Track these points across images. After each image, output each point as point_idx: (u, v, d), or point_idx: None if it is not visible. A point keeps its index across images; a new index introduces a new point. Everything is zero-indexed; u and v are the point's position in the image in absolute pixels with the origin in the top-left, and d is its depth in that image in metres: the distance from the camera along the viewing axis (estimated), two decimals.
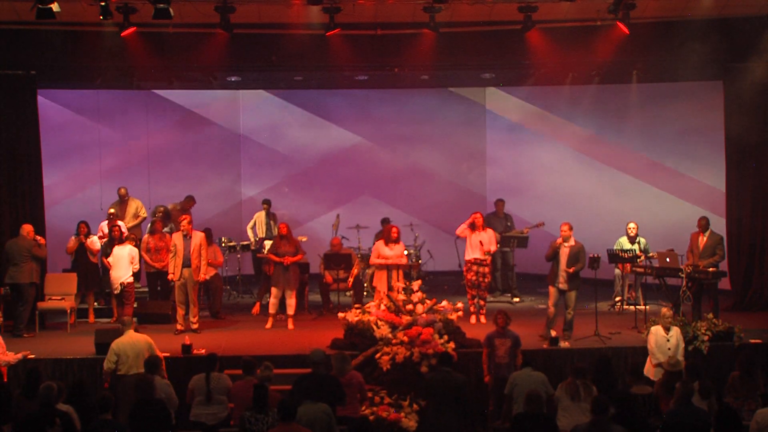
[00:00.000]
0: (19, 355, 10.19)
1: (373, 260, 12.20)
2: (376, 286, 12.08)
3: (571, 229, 11.18)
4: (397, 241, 12.12)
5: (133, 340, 9.42)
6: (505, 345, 9.73)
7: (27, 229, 11.99)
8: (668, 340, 9.87)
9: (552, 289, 11.24)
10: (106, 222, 13.34)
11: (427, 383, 8.89)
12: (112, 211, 13.47)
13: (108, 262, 12.45)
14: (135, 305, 12.33)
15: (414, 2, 11.71)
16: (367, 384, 9.56)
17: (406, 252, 13.97)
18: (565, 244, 11.13)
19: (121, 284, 12.11)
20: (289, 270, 12.02)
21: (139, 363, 9.24)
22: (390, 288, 11.41)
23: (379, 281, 11.98)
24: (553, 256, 11.17)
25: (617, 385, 9.36)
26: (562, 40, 12.56)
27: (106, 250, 12.70)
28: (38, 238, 12.05)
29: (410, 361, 9.86)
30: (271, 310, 12.16)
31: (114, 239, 12.55)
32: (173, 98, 15.87)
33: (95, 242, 12.87)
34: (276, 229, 13.99)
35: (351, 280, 13.32)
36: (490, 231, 12.49)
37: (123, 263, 12.14)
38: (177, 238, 11.82)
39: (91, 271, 12.80)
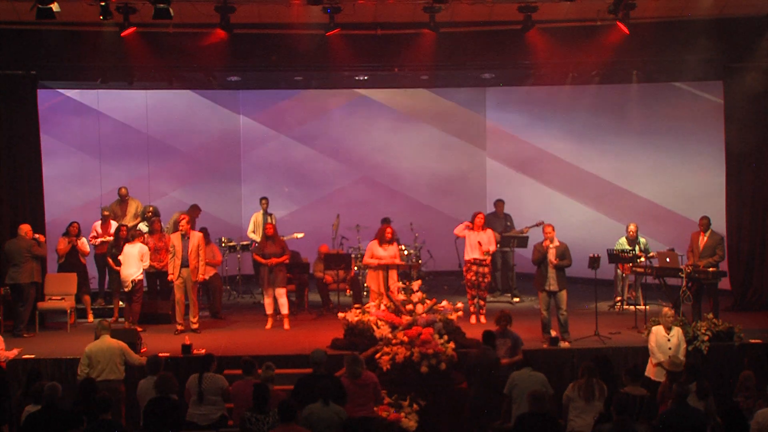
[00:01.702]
0: (15, 351, 10.22)
1: (367, 260, 12.19)
2: (370, 286, 12.08)
3: (553, 230, 11.22)
4: (391, 241, 12.10)
5: (106, 346, 9.42)
6: (505, 345, 9.76)
7: (25, 229, 11.99)
8: (669, 340, 9.86)
9: (542, 294, 11.21)
10: (100, 222, 13.34)
11: (468, 359, 9.50)
12: (106, 213, 13.48)
13: (113, 263, 12.49)
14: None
15: (414, 2, 11.71)
16: None
17: (406, 252, 14.03)
18: (551, 246, 11.15)
19: (132, 281, 12.10)
20: (274, 271, 12.03)
21: (111, 368, 9.30)
22: (386, 288, 11.38)
23: (373, 281, 11.98)
24: (542, 259, 11.17)
25: (618, 384, 9.36)
26: (562, 40, 12.56)
27: (112, 250, 12.70)
28: (38, 236, 12.05)
29: (410, 361, 9.85)
30: (268, 310, 12.16)
31: (120, 239, 12.54)
32: (173, 98, 15.86)
33: (85, 243, 12.87)
34: None
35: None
36: (489, 231, 12.49)
37: (133, 261, 12.15)
38: (175, 239, 11.84)
39: (80, 272, 12.79)
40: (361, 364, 8.76)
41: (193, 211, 14.13)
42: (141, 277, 12.20)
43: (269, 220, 14.28)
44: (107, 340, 9.47)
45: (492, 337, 9.61)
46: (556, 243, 11.16)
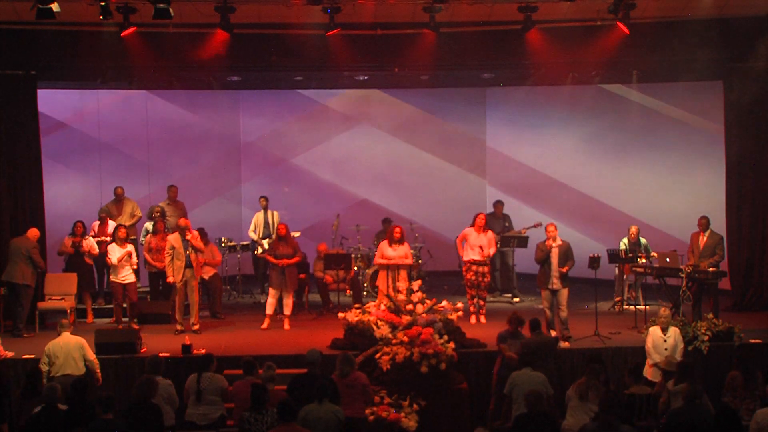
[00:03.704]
0: (10, 354, 10.28)
1: (377, 260, 12.19)
2: (379, 286, 12.07)
3: (556, 228, 11.26)
4: (400, 241, 12.09)
5: (64, 342, 9.53)
6: (514, 346, 9.74)
7: (33, 232, 12.03)
8: (665, 341, 9.87)
9: (545, 292, 11.27)
10: (98, 223, 13.32)
11: (524, 344, 9.47)
12: (103, 215, 13.44)
13: (111, 263, 12.49)
14: (124, 304, 12.28)
15: (414, 2, 11.72)
16: None
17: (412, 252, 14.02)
18: (554, 245, 11.16)
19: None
20: (286, 272, 12.01)
21: (68, 364, 9.39)
22: (395, 289, 11.35)
23: (382, 281, 11.97)
24: (545, 258, 11.19)
25: (610, 384, 9.36)
26: (562, 40, 12.55)
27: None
28: (41, 261, 12.02)
29: (410, 361, 9.85)
30: (269, 310, 12.13)
31: (118, 239, 12.49)
32: (173, 98, 15.86)
33: (93, 243, 12.85)
34: (273, 228, 13.99)
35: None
36: (490, 233, 12.50)
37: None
38: (175, 241, 11.77)
39: (85, 272, 12.78)
40: (351, 363, 8.78)
41: (172, 191, 14.09)
42: (116, 279, 12.12)
43: (269, 219, 14.26)
44: (66, 337, 9.61)
45: (539, 323, 9.74)
46: (559, 242, 11.19)
